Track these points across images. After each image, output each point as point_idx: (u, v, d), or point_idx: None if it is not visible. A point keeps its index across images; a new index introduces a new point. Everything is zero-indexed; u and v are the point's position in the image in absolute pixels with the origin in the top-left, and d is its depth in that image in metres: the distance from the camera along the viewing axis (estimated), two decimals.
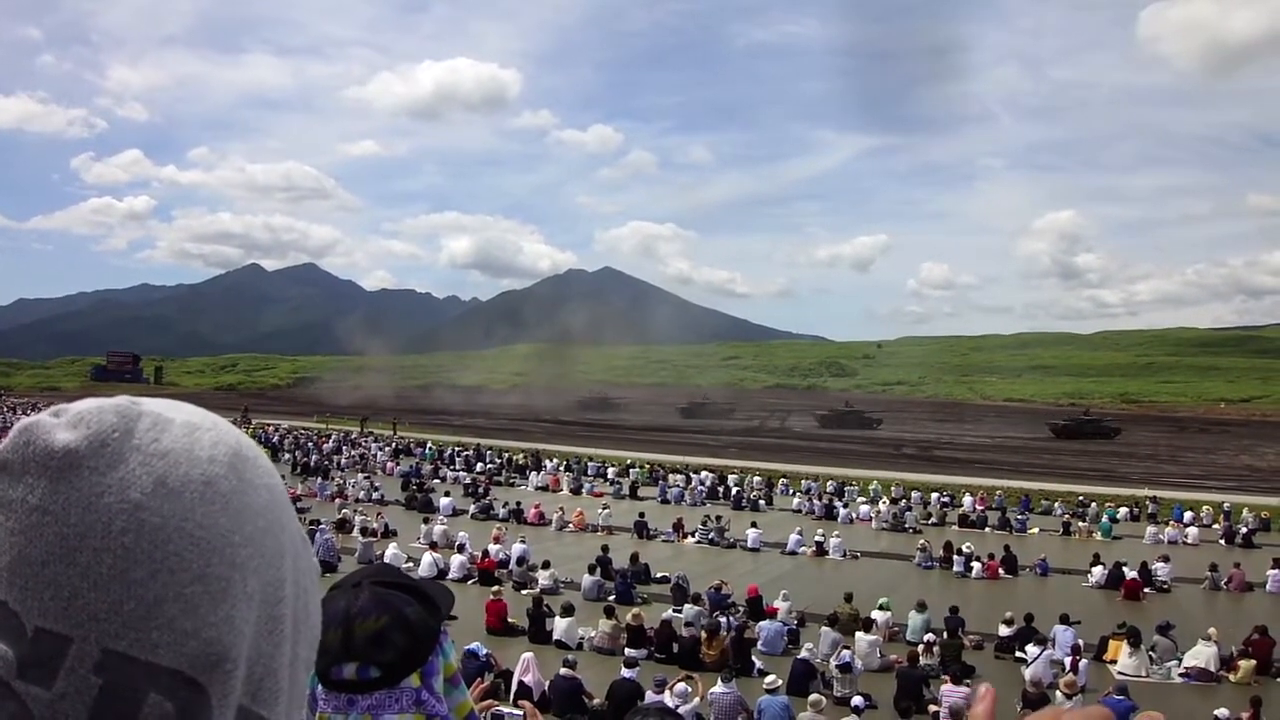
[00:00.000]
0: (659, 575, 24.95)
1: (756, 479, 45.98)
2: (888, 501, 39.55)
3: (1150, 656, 18.68)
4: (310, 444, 56.33)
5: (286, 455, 50.19)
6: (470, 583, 23.54)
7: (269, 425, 69.65)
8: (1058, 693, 15.71)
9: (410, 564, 23.79)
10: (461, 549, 26.02)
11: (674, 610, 20.44)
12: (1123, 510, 39.00)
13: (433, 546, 26.02)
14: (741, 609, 20.77)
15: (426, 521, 29.83)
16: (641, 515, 32.97)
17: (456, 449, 55.87)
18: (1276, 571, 26.45)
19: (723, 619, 19.35)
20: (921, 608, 20.64)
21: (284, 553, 0.89)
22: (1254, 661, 18.27)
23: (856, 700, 14.29)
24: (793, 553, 29.80)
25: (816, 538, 30.31)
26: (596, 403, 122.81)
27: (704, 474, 46.64)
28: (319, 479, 40.71)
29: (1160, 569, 26.87)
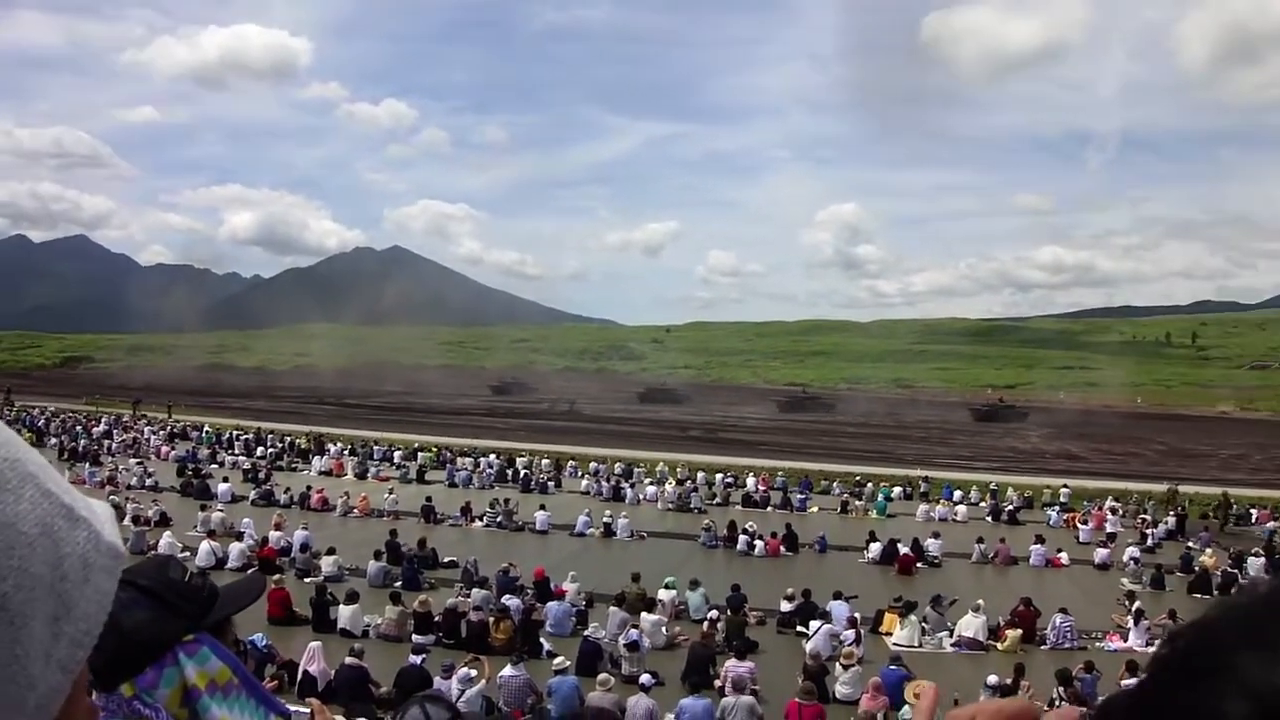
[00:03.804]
0: (447, 560, 24.84)
1: (545, 461, 45.66)
2: (674, 483, 39.84)
3: (923, 628, 19.39)
4: (79, 428, 53.67)
5: (53, 440, 48.06)
6: (250, 571, 22.30)
7: (34, 408, 66.57)
8: (837, 664, 16.11)
9: (186, 553, 22.91)
10: (241, 537, 25.18)
11: (462, 594, 20.18)
12: (897, 489, 40.71)
13: (211, 535, 25.43)
14: (530, 591, 20.69)
15: (204, 509, 28.94)
16: (429, 499, 32.34)
17: (235, 433, 53.73)
18: (1038, 546, 28.11)
19: (511, 601, 19.21)
20: (694, 585, 21.08)
21: None
22: (1019, 631, 19.21)
23: (645, 678, 14.35)
24: (581, 534, 29.72)
25: (604, 519, 30.32)
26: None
27: (492, 457, 46.01)
28: (87, 465, 38.81)
29: (932, 545, 28.10)
